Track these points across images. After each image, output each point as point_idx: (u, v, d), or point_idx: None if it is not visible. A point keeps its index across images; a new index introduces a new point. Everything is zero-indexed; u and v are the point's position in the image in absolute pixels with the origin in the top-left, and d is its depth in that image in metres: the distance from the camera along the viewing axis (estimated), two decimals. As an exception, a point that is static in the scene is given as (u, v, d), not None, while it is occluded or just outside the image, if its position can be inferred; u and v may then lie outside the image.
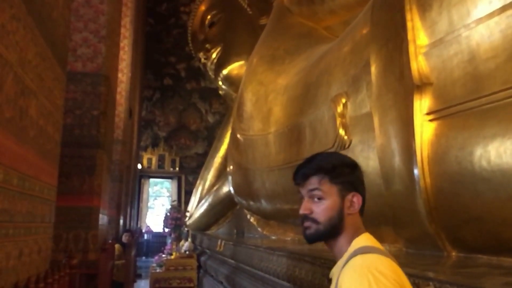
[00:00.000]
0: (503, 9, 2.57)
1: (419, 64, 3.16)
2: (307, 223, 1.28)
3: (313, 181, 1.29)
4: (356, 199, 1.29)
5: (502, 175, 2.43)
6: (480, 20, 2.70)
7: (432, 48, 3.07)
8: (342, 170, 1.30)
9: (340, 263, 1.25)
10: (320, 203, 1.27)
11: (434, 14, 3.06)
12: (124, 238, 8.71)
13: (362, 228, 1.30)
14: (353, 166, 1.33)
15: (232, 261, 6.30)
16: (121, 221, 11.08)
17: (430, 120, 3.02)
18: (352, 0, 6.14)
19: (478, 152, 2.57)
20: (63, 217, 4.83)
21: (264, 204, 6.99)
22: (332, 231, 1.26)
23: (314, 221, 1.27)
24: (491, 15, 2.64)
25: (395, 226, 3.43)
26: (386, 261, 1.14)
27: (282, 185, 6.07)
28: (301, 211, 1.29)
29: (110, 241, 7.31)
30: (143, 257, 16.37)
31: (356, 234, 1.27)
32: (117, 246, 7.87)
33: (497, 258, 2.65)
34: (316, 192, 1.28)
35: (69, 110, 5.20)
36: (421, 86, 3.11)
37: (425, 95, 3.09)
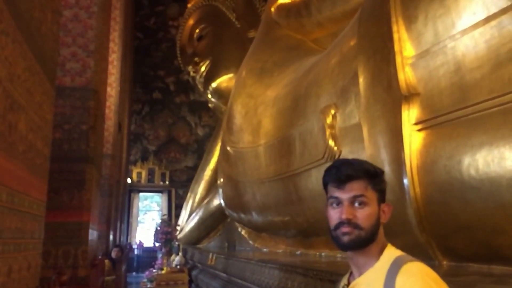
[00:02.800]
0: (487, 20, 2.62)
1: (406, 74, 3.20)
2: (347, 229, 1.22)
3: (358, 186, 1.23)
4: (387, 209, 1.28)
5: (491, 183, 2.46)
6: (465, 31, 2.75)
7: (419, 59, 3.12)
8: (381, 178, 1.29)
9: (373, 272, 1.23)
10: (364, 209, 1.23)
11: (420, 26, 3.11)
12: (113, 253, 8.58)
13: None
14: (384, 175, 1.32)
15: (224, 275, 6.26)
16: (111, 236, 10.97)
17: (419, 130, 3.05)
18: (339, 13, 6.21)
19: (466, 161, 2.60)
20: (52, 233, 4.77)
21: (255, 217, 6.98)
22: (371, 239, 1.23)
23: (357, 226, 1.22)
24: (475, 26, 2.69)
25: (386, 235, 3.43)
26: (431, 269, 1.19)
27: (273, 197, 6.07)
28: (345, 216, 1.22)
29: (100, 257, 7.23)
30: (134, 273, 16.18)
31: (384, 243, 1.27)
32: (106, 261, 7.78)
33: (487, 266, 2.66)
34: (363, 199, 1.23)
35: (58, 124, 5.17)
36: (409, 96, 3.15)
37: (413, 105, 3.12)
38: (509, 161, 2.36)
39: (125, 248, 12.67)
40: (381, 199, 1.27)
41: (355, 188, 1.24)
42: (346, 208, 1.23)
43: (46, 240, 3.51)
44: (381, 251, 1.25)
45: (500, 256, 2.56)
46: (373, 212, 1.23)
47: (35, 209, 2.88)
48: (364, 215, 1.22)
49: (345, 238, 1.22)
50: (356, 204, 1.23)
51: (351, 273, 1.32)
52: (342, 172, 1.25)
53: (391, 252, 1.24)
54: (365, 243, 1.23)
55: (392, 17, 3.33)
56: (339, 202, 1.24)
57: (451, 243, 2.87)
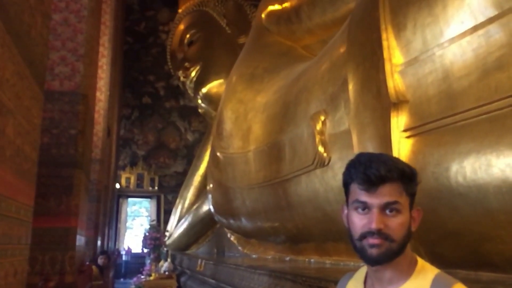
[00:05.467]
0: (475, 29, 2.65)
1: (395, 82, 3.22)
2: (377, 240, 1.04)
3: (392, 191, 1.05)
4: (418, 215, 1.12)
5: (478, 190, 2.49)
6: (453, 40, 2.79)
7: (408, 67, 3.15)
8: (416, 180, 1.10)
9: None
10: (396, 217, 1.05)
11: (409, 34, 3.14)
12: (100, 260, 8.44)
13: None
14: (418, 176, 1.12)
15: (213, 281, 6.23)
16: (99, 242, 10.88)
17: (407, 137, 3.08)
18: (329, 20, 6.26)
19: (454, 168, 2.62)
20: (39, 238, 4.72)
21: (245, 222, 6.97)
22: (401, 252, 1.07)
23: (388, 238, 1.04)
24: (463, 35, 2.72)
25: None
26: None
27: (263, 203, 6.07)
28: (375, 226, 1.03)
29: (87, 263, 7.16)
30: (122, 279, 16.05)
31: (413, 256, 1.12)
32: (93, 267, 7.69)
33: (475, 272, 2.68)
34: (397, 206, 1.05)
35: (46, 129, 5.13)
36: (398, 103, 3.18)
37: (402, 112, 3.15)
38: (496, 168, 2.39)
39: (112, 255, 12.56)
40: (412, 204, 1.10)
41: (389, 193, 1.04)
42: (377, 216, 1.04)
43: (32, 245, 3.46)
44: (410, 265, 1.10)
45: (488, 263, 2.58)
46: (406, 220, 1.06)
47: (23, 214, 2.85)
48: (396, 224, 1.05)
49: (374, 251, 1.04)
50: (388, 211, 1.05)
51: (365, 282, 1.17)
52: (372, 171, 1.04)
53: (426, 268, 1.10)
54: (395, 256, 1.06)
55: (382, 24, 3.37)
56: (366, 207, 1.06)
57: (439, 249, 2.89)
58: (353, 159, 1.11)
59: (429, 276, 1.07)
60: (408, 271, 1.09)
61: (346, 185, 1.11)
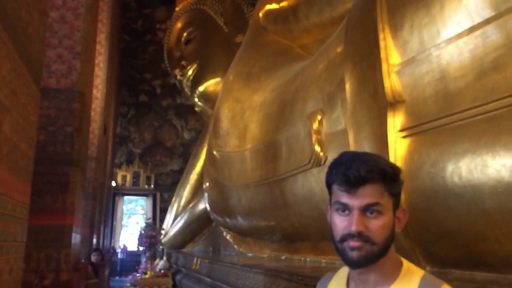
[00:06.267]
0: (472, 29, 2.66)
1: (392, 82, 3.23)
2: (357, 243, 1.01)
3: (373, 192, 1.02)
4: (403, 216, 1.09)
5: (473, 190, 2.49)
6: (449, 40, 2.79)
7: (404, 67, 3.15)
8: (399, 180, 1.07)
9: None
10: (378, 219, 1.02)
11: (406, 34, 3.15)
12: (93, 257, 8.42)
13: None
14: (401, 174, 1.08)
15: (208, 279, 6.23)
16: (94, 240, 10.86)
17: (404, 137, 3.09)
18: (326, 19, 6.26)
19: (450, 168, 2.63)
20: (35, 236, 4.72)
21: (241, 221, 6.97)
22: (384, 254, 1.04)
23: (369, 240, 1.01)
24: (460, 36, 2.73)
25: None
26: None
27: (259, 201, 6.07)
28: (355, 228, 1.01)
29: (83, 261, 7.15)
30: (117, 277, 16.03)
31: (398, 258, 1.11)
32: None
33: (469, 272, 2.70)
34: (378, 207, 1.02)
35: (42, 126, 5.12)
36: (394, 103, 3.18)
37: (398, 112, 3.15)
38: (492, 169, 2.40)
39: (107, 253, 12.54)
40: (396, 204, 1.07)
41: (369, 194, 1.02)
42: (357, 218, 1.01)
43: (28, 243, 3.46)
44: (396, 267, 1.08)
45: (482, 263, 2.60)
46: (388, 222, 1.04)
47: (18, 211, 2.85)
48: (378, 226, 1.02)
49: (354, 254, 1.02)
50: (369, 213, 1.02)
51: (348, 284, 1.14)
52: (352, 172, 1.02)
53: (411, 270, 1.08)
54: (377, 259, 1.03)
55: (379, 24, 3.37)
56: (347, 209, 1.03)
57: (434, 249, 2.90)
58: (335, 159, 1.08)
59: (416, 278, 1.06)
60: (394, 273, 1.07)
61: (329, 185, 1.10)
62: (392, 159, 3.05)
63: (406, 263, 1.10)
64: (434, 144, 2.82)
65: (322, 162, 4.27)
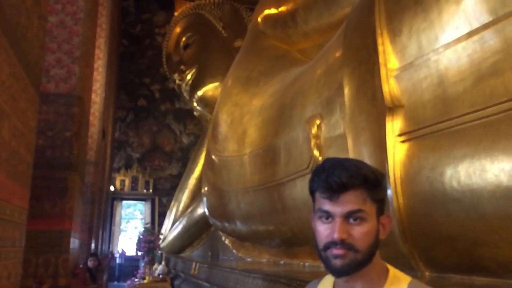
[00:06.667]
0: (470, 34, 2.67)
1: (390, 86, 3.24)
2: (340, 251, 0.99)
3: (355, 198, 1.00)
4: (388, 222, 1.06)
5: (472, 195, 2.50)
6: (448, 45, 2.80)
7: (403, 72, 3.16)
8: (383, 186, 1.05)
9: None
10: (361, 226, 1.00)
11: (404, 39, 3.16)
12: (89, 262, 8.32)
13: None
14: (385, 180, 1.07)
15: (207, 284, 6.22)
16: (93, 245, 10.83)
17: (402, 142, 3.09)
18: (325, 24, 6.28)
19: (449, 172, 2.64)
20: (33, 241, 4.70)
21: (239, 226, 6.96)
22: (368, 261, 1.02)
23: (352, 248, 0.99)
24: (458, 40, 2.74)
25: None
26: None
27: (258, 206, 6.06)
28: (337, 235, 0.99)
29: (81, 266, 7.13)
30: (115, 282, 15.98)
31: (383, 264, 1.09)
32: (85, 272, 7.64)
33: (469, 277, 2.70)
34: (360, 214, 1.00)
35: (41, 131, 5.12)
36: (393, 108, 3.19)
37: (397, 117, 3.16)
38: (490, 173, 2.40)
39: (106, 258, 12.50)
40: (381, 210, 1.04)
41: (351, 200, 1.00)
42: (340, 225, 0.99)
43: (26, 248, 3.45)
44: (382, 275, 1.06)
45: (482, 267, 2.60)
46: (371, 228, 1.02)
47: (17, 217, 2.84)
48: (361, 233, 1.00)
49: (338, 262, 1.00)
50: (352, 220, 1.00)
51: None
52: (334, 179, 1.00)
53: (398, 277, 1.07)
54: (360, 266, 1.02)
55: (377, 29, 3.38)
56: (330, 216, 1.02)
57: (433, 253, 2.90)
58: (317, 166, 1.06)
59: (403, 285, 1.05)
60: (380, 281, 1.05)
61: (312, 193, 1.07)
62: (390, 163, 3.05)
63: (392, 270, 1.08)
64: (433, 148, 2.82)
65: (321, 167, 4.26)
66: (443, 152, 2.73)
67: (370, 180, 1.02)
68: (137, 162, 18.86)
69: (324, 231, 1.02)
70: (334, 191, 1.00)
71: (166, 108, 19.52)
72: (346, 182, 0.99)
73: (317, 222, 1.04)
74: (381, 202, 1.05)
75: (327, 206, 1.01)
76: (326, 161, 1.06)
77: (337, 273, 1.03)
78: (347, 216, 1.00)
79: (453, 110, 2.74)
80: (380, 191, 1.04)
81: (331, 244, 1.00)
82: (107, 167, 14.79)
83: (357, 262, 1.00)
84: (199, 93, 11.60)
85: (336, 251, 0.99)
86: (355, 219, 1.00)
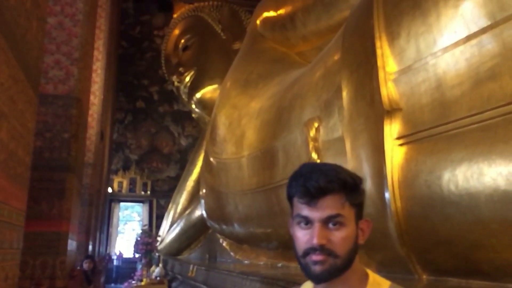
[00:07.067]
0: (468, 38, 2.68)
1: (388, 90, 3.25)
2: (320, 257, 0.98)
3: (333, 203, 0.99)
4: (367, 227, 1.05)
5: (470, 198, 2.50)
6: (446, 49, 2.81)
7: (401, 75, 3.17)
8: (360, 190, 1.04)
9: None
10: (340, 231, 0.99)
11: (403, 42, 3.17)
12: (85, 265, 8.23)
13: None
14: (362, 184, 1.06)
15: (205, 287, 6.21)
16: (90, 247, 10.81)
17: (400, 145, 3.10)
18: (323, 27, 6.29)
19: (447, 176, 2.64)
20: (30, 242, 4.69)
21: (237, 228, 6.96)
22: (347, 267, 1.01)
23: (332, 253, 0.98)
24: (456, 44, 2.75)
25: (367, 249, 3.46)
26: None
27: (256, 208, 6.06)
28: (317, 241, 0.97)
29: (78, 268, 7.11)
30: (112, 284, 15.94)
31: (362, 269, 1.07)
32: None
33: (466, 281, 2.70)
34: (339, 219, 0.99)
35: (39, 132, 5.12)
36: (391, 111, 3.20)
37: (395, 120, 3.17)
38: (488, 177, 2.41)
39: (103, 260, 12.47)
40: (359, 215, 1.04)
41: (330, 205, 0.99)
42: (319, 230, 0.98)
43: (23, 250, 3.45)
44: (362, 280, 1.05)
45: (479, 271, 2.60)
46: (350, 233, 1.00)
47: (15, 218, 2.84)
48: (340, 238, 0.98)
49: (317, 268, 0.98)
50: (331, 225, 0.99)
51: None
52: (312, 183, 0.99)
53: (378, 282, 1.06)
54: (340, 272, 1.00)
55: (376, 32, 3.39)
56: (309, 222, 1.00)
57: (431, 257, 2.91)
58: (295, 171, 1.05)
59: (387, 286, 1.04)
60: (360, 286, 1.04)
61: (290, 198, 1.06)
62: (389, 167, 3.06)
63: (372, 274, 1.07)
64: (431, 152, 2.83)
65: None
66: (441, 155, 2.73)
67: (349, 184, 1.01)
68: (135, 164, 18.83)
69: (303, 237, 1.01)
70: (313, 196, 0.99)
71: (165, 110, 19.51)
72: (324, 186, 0.98)
73: (295, 228, 1.03)
74: (359, 207, 1.04)
75: (306, 211, 1.00)
76: (303, 166, 1.05)
77: (317, 279, 1.01)
78: (326, 221, 0.99)
79: (451, 114, 2.75)
80: (359, 195, 1.03)
81: (310, 250, 0.99)
82: (105, 169, 14.78)
83: (336, 268, 0.99)
84: (198, 95, 11.61)
85: (316, 257, 0.98)
86: (334, 224, 0.99)
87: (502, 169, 2.35)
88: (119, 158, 19.00)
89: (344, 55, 3.99)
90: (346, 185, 1.00)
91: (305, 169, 1.03)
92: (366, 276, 1.06)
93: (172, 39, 12.77)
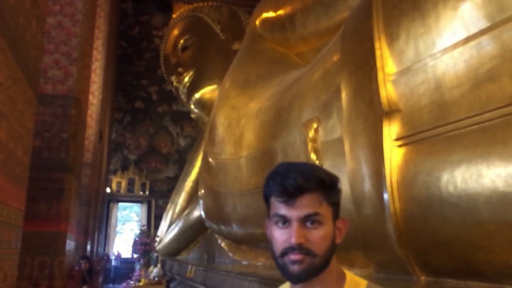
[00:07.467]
0: (467, 40, 2.68)
1: (387, 91, 3.25)
2: (298, 256, 0.97)
3: (311, 201, 0.98)
4: (343, 226, 1.04)
5: (468, 200, 2.51)
6: (445, 50, 2.82)
7: (400, 76, 3.17)
8: (337, 188, 1.04)
9: None
10: (318, 229, 0.98)
11: (402, 44, 3.17)
12: (81, 265, 8.17)
13: None
14: (339, 183, 1.06)
15: (203, 287, 6.21)
16: (88, 247, 10.80)
17: (399, 146, 3.10)
18: (323, 28, 6.30)
19: (445, 177, 2.64)
20: (29, 242, 4.68)
21: (236, 229, 6.96)
22: (325, 266, 1.00)
23: (310, 253, 0.97)
24: (455, 46, 2.75)
25: (365, 250, 3.46)
26: None
27: (254, 209, 6.06)
28: (295, 240, 0.96)
29: (76, 268, 7.10)
30: (110, 284, 15.92)
31: (339, 269, 1.06)
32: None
33: (464, 282, 2.70)
34: (317, 217, 0.98)
35: (37, 132, 5.10)
36: (390, 112, 3.20)
37: (394, 121, 3.17)
38: (487, 179, 2.41)
39: (101, 260, 12.46)
40: (336, 214, 1.02)
41: (308, 203, 0.98)
42: (296, 229, 0.97)
43: (22, 250, 3.44)
44: (339, 279, 1.04)
45: (477, 272, 2.60)
46: (328, 232, 0.99)
47: (13, 218, 2.83)
48: (318, 237, 0.97)
49: (295, 268, 0.97)
50: (308, 224, 0.98)
51: None
52: (289, 182, 0.98)
53: (355, 281, 1.05)
54: (318, 271, 0.99)
55: (375, 34, 3.39)
56: (286, 221, 0.99)
57: (429, 258, 2.91)
58: (272, 170, 1.03)
59: (364, 284, 1.04)
60: (338, 285, 1.03)
61: (267, 198, 1.05)
62: (387, 168, 3.06)
63: (349, 274, 1.06)
64: (430, 153, 2.83)
65: (318, 170, 4.27)
66: (439, 157, 2.74)
67: (326, 183, 1.00)
68: (134, 164, 18.82)
69: (280, 236, 1.00)
70: (291, 195, 0.98)
71: (163, 110, 19.50)
72: (302, 184, 0.97)
73: (273, 228, 1.02)
74: (336, 206, 1.03)
75: (283, 210, 0.99)
76: (280, 165, 1.04)
77: (295, 279, 1.00)
78: (304, 220, 0.98)
79: (450, 115, 2.75)
80: (336, 194, 1.03)
81: (288, 250, 0.97)
82: (103, 169, 14.76)
83: (314, 267, 0.98)
84: (197, 95, 11.60)
85: (294, 256, 0.97)
86: (312, 223, 0.98)
87: (501, 170, 2.36)
88: (117, 158, 18.98)
89: (343, 56, 4.00)
90: (324, 184, 0.99)
91: (282, 168, 1.02)
92: (344, 275, 1.06)
93: (171, 39, 12.77)
